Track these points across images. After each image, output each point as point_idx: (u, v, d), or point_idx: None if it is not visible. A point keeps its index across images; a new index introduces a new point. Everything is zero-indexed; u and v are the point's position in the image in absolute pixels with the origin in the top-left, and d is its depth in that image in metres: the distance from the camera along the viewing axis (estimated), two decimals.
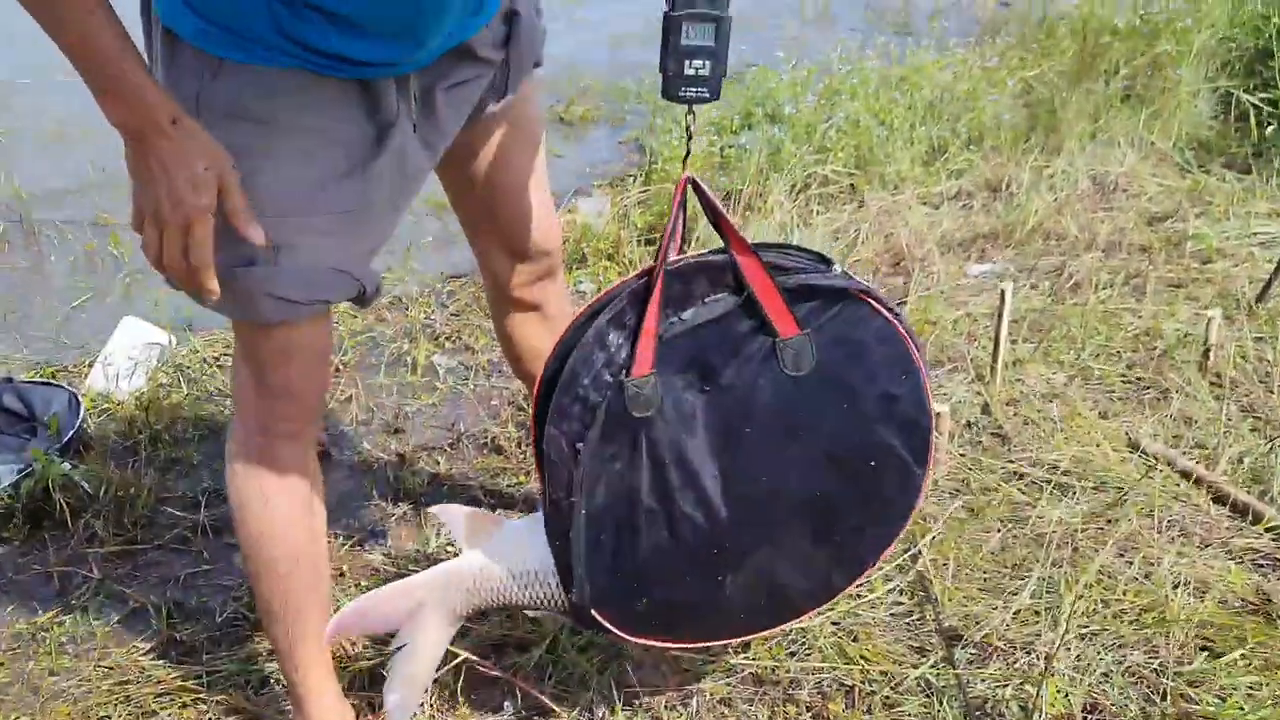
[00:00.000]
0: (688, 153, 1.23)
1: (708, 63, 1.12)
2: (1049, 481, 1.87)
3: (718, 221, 1.25)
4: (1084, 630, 1.55)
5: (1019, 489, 1.87)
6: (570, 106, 3.98)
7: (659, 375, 1.21)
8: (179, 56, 1.11)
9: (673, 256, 1.23)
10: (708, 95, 1.15)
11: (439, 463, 2.10)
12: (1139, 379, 2.21)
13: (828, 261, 1.30)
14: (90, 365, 2.35)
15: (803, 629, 1.58)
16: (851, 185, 3.13)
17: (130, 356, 2.29)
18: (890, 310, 1.29)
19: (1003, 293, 2.12)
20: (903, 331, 1.29)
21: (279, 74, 1.09)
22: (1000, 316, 2.12)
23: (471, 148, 1.37)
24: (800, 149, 3.16)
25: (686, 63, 1.12)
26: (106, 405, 2.24)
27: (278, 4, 1.05)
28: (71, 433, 2.05)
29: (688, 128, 1.21)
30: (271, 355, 1.24)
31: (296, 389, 1.26)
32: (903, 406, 1.29)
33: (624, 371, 1.20)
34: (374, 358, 2.45)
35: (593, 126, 3.92)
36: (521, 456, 2.10)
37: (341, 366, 2.39)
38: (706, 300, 1.25)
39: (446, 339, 2.55)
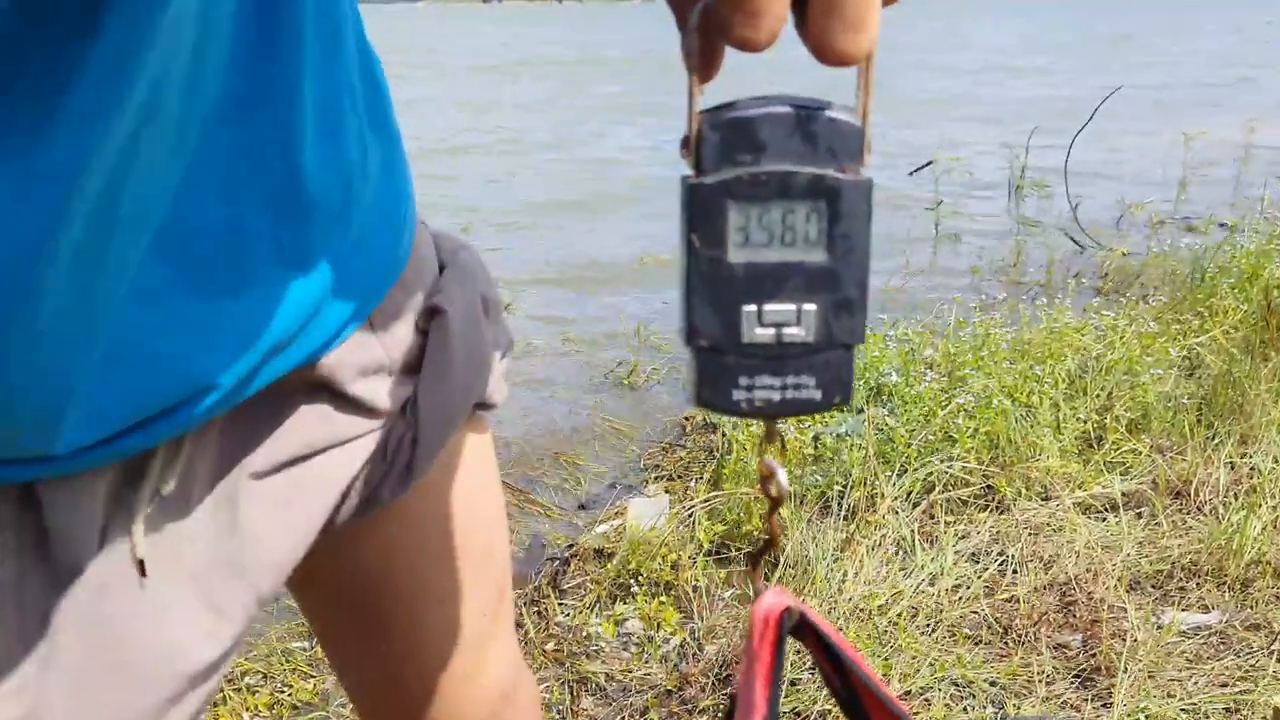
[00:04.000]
0: (764, 548, 0.45)
1: (812, 309, 0.38)
2: None
3: (854, 695, 0.51)
4: None
5: None
6: (633, 372, 3.36)
7: None
8: None
9: None
10: (817, 397, 0.39)
11: None
12: None
13: None
14: None
15: None
16: (988, 485, 2.39)
17: None
18: None
19: (1276, 716, 1.33)
20: None
21: None
22: None
23: (345, 567, 0.69)
24: (917, 437, 2.45)
25: (750, 311, 0.38)
26: None
27: None
28: None
29: (764, 480, 0.43)
30: None
31: None
32: None
33: None
34: None
35: (656, 395, 3.28)
36: None
37: None
38: None
39: None
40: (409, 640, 0.73)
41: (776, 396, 0.39)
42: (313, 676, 1.82)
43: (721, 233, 0.37)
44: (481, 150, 7.82)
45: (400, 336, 0.61)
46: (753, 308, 0.38)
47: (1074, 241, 4.80)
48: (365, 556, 0.68)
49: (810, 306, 0.38)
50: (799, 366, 0.39)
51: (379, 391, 0.61)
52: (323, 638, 0.78)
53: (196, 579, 0.55)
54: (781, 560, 2.10)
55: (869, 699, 0.50)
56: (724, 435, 2.61)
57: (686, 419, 3.03)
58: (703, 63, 0.35)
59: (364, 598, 0.71)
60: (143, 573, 0.52)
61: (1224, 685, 1.73)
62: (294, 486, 0.58)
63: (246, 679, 1.81)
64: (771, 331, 0.38)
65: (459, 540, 0.71)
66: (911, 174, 6.03)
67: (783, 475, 0.43)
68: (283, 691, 1.79)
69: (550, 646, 1.92)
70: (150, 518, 0.53)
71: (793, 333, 0.38)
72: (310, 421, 0.58)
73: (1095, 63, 13.45)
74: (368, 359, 0.60)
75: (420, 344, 0.63)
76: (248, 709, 1.73)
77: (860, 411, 2.61)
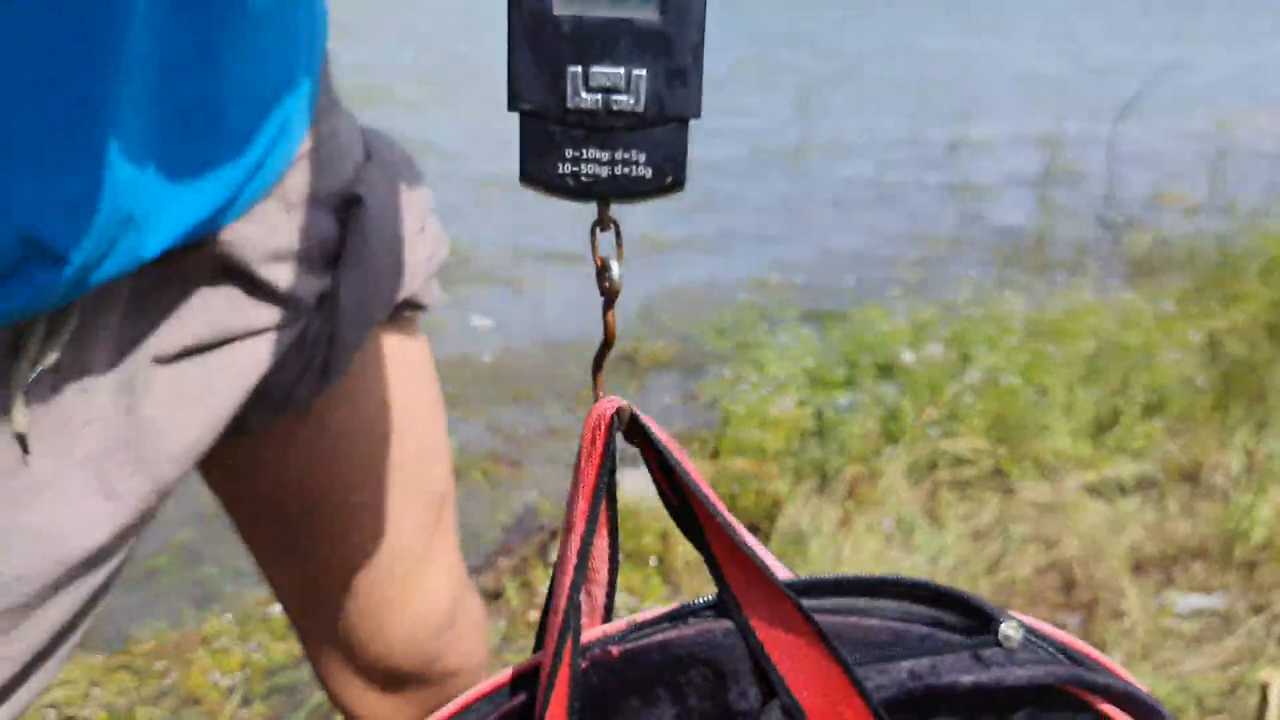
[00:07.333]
0: (602, 350, 0.42)
1: (643, 74, 0.35)
2: None
3: (693, 515, 0.47)
4: None
5: None
6: (638, 346, 3.32)
7: None
8: None
9: (595, 629, 0.47)
10: (648, 175, 0.37)
11: None
12: None
13: (980, 613, 0.48)
14: None
15: None
16: (996, 467, 2.33)
17: None
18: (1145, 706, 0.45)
19: (1263, 690, 1.27)
20: None
21: None
22: None
23: (269, 478, 0.65)
24: (923, 414, 2.39)
25: (575, 73, 0.34)
26: None
27: None
28: None
29: (599, 273, 0.40)
30: None
31: None
32: None
33: None
34: (289, 717, 1.68)
35: (661, 372, 3.23)
36: None
37: None
38: None
39: None
40: (338, 555, 0.69)
41: (605, 172, 0.36)
42: (289, 639, 1.80)
43: None
44: None
45: (316, 222, 0.58)
46: (578, 69, 0.35)
47: (1102, 225, 4.70)
48: (288, 465, 0.65)
49: (640, 72, 0.35)
50: (629, 140, 0.36)
51: (291, 278, 0.57)
52: (257, 557, 0.74)
53: (92, 462, 0.52)
54: (775, 532, 2.06)
55: (699, 507, 0.46)
56: (726, 411, 2.57)
57: (690, 396, 2.99)
58: None
59: (289, 509, 0.67)
60: (25, 449, 0.49)
61: (1222, 667, 1.67)
62: (199, 373, 0.55)
63: (222, 640, 1.78)
64: (599, 97, 0.35)
65: (387, 450, 0.67)
66: (946, 152, 5.94)
67: (616, 268, 0.40)
68: (257, 653, 1.77)
69: (533, 617, 1.89)
70: (38, 393, 0.49)
71: (621, 100, 0.35)
72: (217, 305, 0.55)
73: (1139, 47, 13.25)
74: (279, 243, 0.56)
75: (340, 235, 0.59)
76: (219, 668, 1.71)
77: (864, 387, 2.55)
